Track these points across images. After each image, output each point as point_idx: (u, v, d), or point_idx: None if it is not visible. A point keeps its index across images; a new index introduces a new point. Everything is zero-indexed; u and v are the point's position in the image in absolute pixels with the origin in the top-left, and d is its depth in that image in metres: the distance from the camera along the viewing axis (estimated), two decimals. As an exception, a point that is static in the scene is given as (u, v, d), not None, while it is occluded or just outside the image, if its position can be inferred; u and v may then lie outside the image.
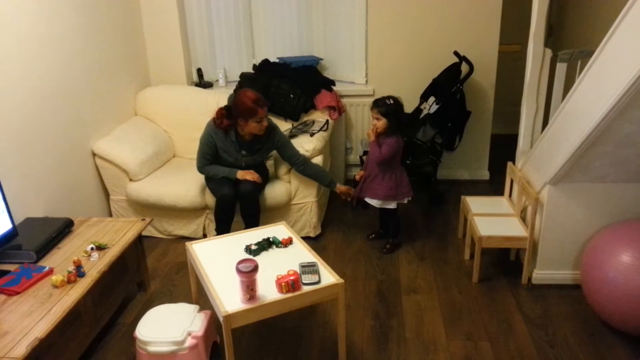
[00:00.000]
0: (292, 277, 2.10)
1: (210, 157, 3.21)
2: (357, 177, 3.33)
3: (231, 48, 4.40)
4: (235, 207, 3.25)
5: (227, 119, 3.13)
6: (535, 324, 2.65)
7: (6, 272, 2.31)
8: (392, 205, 3.24)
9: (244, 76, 4.05)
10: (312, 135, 3.55)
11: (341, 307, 2.23)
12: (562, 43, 4.72)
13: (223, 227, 3.24)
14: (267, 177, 3.41)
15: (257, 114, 3.03)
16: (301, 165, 3.31)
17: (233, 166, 3.24)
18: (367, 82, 4.30)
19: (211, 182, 3.29)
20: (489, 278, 3.05)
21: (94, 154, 3.46)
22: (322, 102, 3.90)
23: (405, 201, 3.26)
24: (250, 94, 3.06)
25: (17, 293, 2.19)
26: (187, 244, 2.54)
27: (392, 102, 3.06)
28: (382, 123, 3.06)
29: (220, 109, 3.17)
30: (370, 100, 4.17)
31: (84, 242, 2.64)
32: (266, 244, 2.48)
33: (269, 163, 3.52)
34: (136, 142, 3.60)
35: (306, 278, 2.18)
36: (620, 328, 2.51)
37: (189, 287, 2.75)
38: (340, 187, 3.40)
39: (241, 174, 3.20)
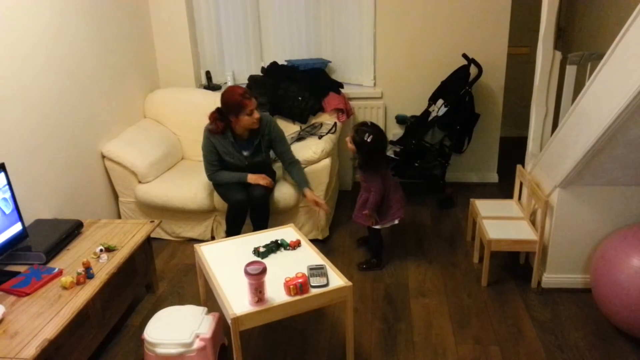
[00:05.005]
0: (300, 280, 2.10)
1: (217, 162, 3.21)
2: None
3: (240, 51, 4.41)
4: (247, 211, 3.24)
5: (220, 121, 3.11)
6: (545, 328, 2.63)
7: (16, 274, 2.33)
8: (377, 226, 3.12)
9: (252, 79, 4.06)
10: (320, 137, 3.55)
11: (349, 310, 2.22)
12: (572, 45, 4.69)
13: (234, 231, 3.24)
14: (274, 180, 3.40)
15: (246, 107, 3.02)
16: (289, 165, 3.30)
17: (237, 167, 3.23)
18: (375, 84, 4.29)
19: (221, 187, 3.28)
20: (498, 282, 3.03)
21: (103, 156, 3.49)
22: (330, 104, 3.90)
23: (396, 222, 3.11)
24: (235, 88, 3.08)
25: (27, 294, 2.20)
26: (196, 246, 2.55)
27: (369, 140, 2.89)
28: (351, 147, 2.99)
29: (213, 113, 3.15)
30: (379, 102, 4.23)
31: (93, 243, 2.65)
32: (274, 247, 2.48)
33: (277, 165, 3.51)
34: (145, 145, 3.62)
35: (314, 281, 2.17)
36: (631, 333, 2.48)
37: (197, 289, 2.75)
38: (308, 193, 3.21)
39: (252, 179, 3.18)
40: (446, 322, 2.70)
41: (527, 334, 2.59)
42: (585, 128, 2.40)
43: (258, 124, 3.12)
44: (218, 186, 3.31)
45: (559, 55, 3.00)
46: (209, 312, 2.39)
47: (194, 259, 2.59)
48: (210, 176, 3.25)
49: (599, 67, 2.29)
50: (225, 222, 3.31)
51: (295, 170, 3.29)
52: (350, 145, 2.99)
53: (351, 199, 4.15)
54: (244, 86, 4.02)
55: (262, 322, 2.07)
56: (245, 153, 3.22)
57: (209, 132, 3.15)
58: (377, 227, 3.12)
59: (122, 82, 3.75)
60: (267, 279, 2.04)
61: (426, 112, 3.98)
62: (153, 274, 3.02)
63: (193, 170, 3.71)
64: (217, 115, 3.13)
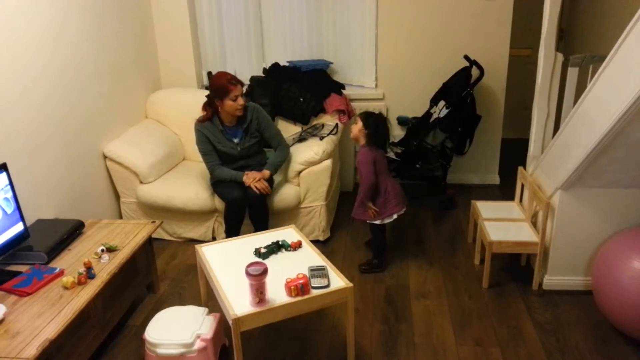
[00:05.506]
0: (301, 281, 2.10)
1: (213, 152, 3.25)
2: None
3: (241, 51, 4.42)
4: (245, 210, 3.25)
5: (208, 106, 3.21)
6: (545, 330, 2.63)
7: (17, 273, 2.33)
8: (376, 221, 3.09)
9: (254, 80, 4.06)
10: (321, 138, 3.55)
11: (350, 311, 2.22)
12: (574, 47, 4.69)
13: (233, 231, 3.25)
14: (272, 185, 3.31)
15: (231, 92, 3.09)
16: (277, 148, 3.38)
17: (230, 156, 3.27)
18: (376, 85, 4.30)
19: (219, 186, 3.30)
20: (499, 283, 3.03)
21: (105, 156, 3.49)
22: (332, 105, 3.90)
23: (395, 216, 3.08)
24: (223, 74, 3.18)
25: (28, 294, 2.20)
26: (197, 246, 2.55)
27: (377, 113, 3.09)
28: (357, 127, 2.99)
29: (204, 102, 3.25)
30: (380, 104, 4.23)
31: (94, 244, 2.65)
32: (275, 248, 2.48)
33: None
34: (146, 145, 3.62)
35: (315, 282, 2.18)
36: (632, 335, 2.48)
37: (198, 290, 2.75)
38: (263, 171, 3.26)
39: (247, 181, 3.19)
40: (447, 324, 2.70)
41: (528, 336, 2.59)
42: (586, 130, 2.40)
43: (242, 111, 3.19)
44: (216, 186, 3.32)
45: (560, 57, 3.00)
46: (209, 312, 2.39)
47: (195, 259, 2.59)
48: (211, 168, 3.28)
49: (600, 70, 2.29)
50: (224, 222, 3.32)
51: (277, 152, 3.37)
52: (355, 127, 3.00)
53: (352, 200, 4.15)
54: (247, 87, 4.04)
55: (262, 322, 2.07)
56: (235, 140, 3.27)
57: (199, 124, 3.23)
58: (377, 222, 3.09)
59: (124, 82, 3.75)
60: (268, 279, 2.05)
61: (428, 114, 3.98)
62: (154, 274, 3.02)
63: (194, 171, 3.71)
64: (207, 101, 3.23)
